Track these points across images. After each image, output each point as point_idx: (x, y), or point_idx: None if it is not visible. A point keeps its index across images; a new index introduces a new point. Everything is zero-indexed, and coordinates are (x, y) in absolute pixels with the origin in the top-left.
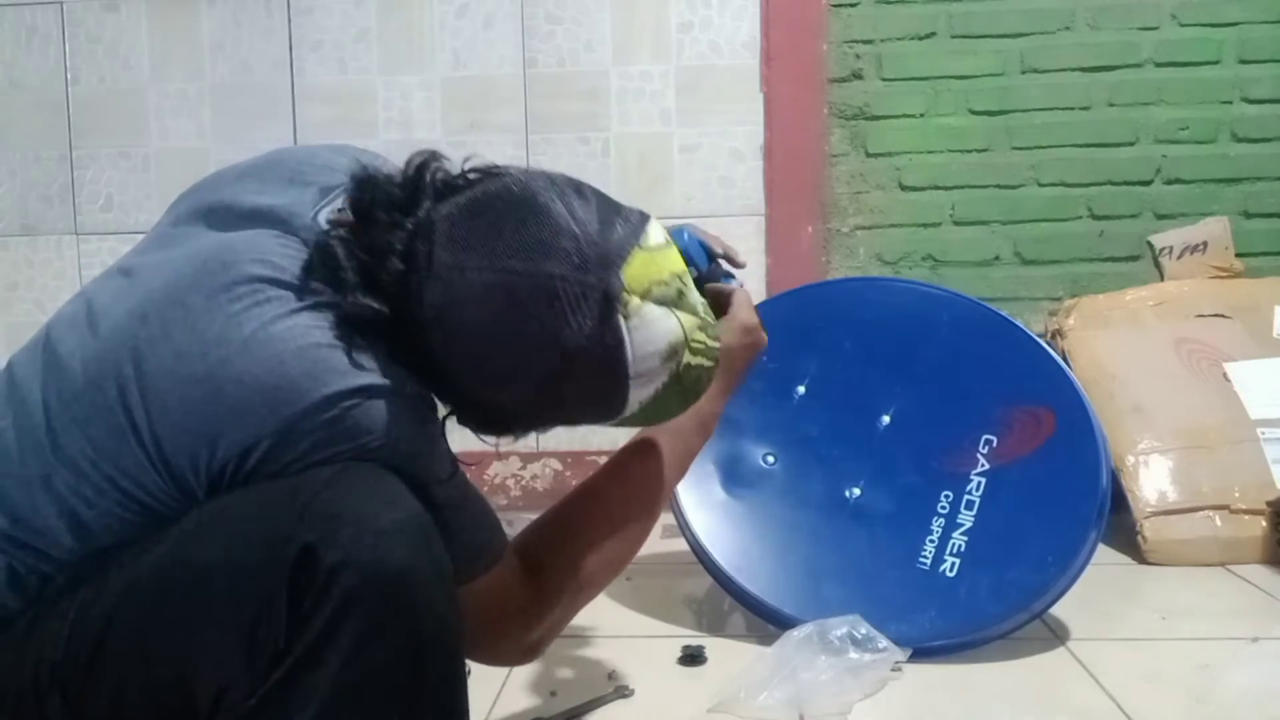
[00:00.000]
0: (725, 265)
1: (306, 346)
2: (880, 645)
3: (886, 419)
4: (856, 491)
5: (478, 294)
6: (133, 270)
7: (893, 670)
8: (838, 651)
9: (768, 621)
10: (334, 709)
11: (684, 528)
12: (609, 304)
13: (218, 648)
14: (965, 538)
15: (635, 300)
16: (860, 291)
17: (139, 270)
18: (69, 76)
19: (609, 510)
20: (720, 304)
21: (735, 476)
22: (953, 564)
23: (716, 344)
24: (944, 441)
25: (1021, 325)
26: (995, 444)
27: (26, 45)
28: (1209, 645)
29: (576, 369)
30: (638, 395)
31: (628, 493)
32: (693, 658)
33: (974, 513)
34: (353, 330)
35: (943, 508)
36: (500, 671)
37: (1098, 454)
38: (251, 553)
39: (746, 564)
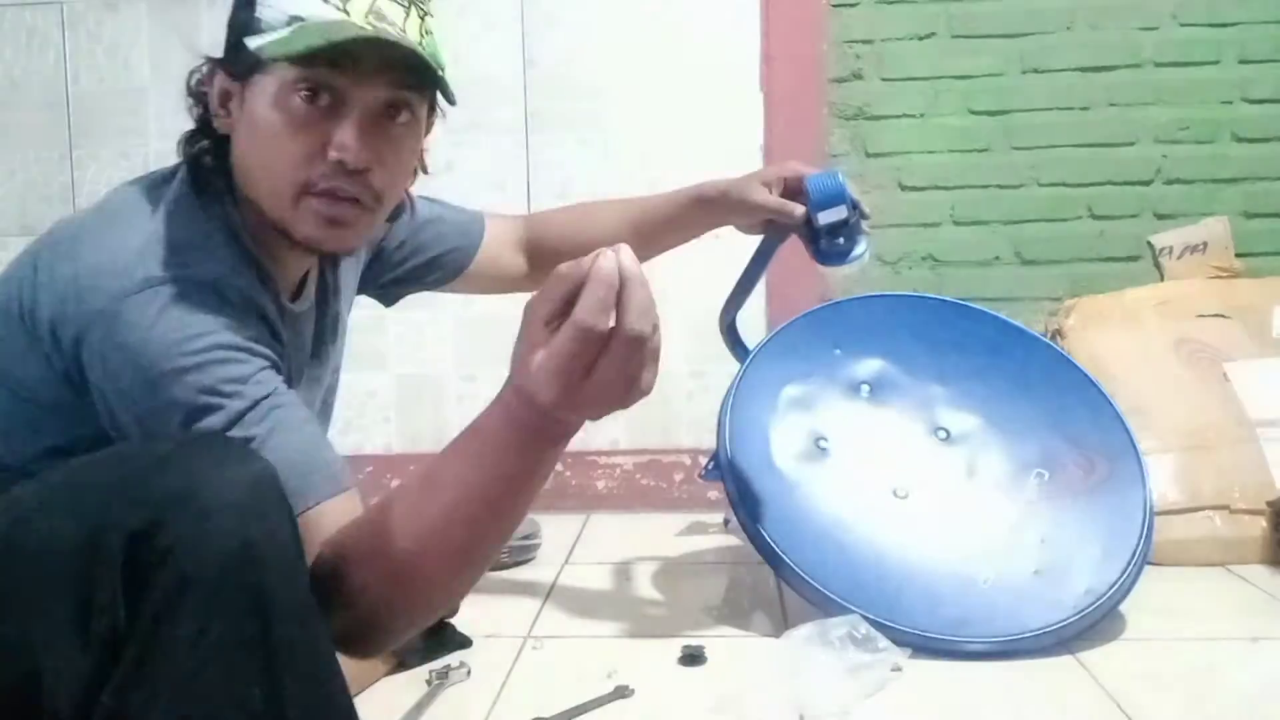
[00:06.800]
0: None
1: (114, 235)
2: (880, 645)
3: (944, 434)
4: (904, 494)
5: None
6: None
7: (893, 670)
8: (838, 651)
9: (799, 593)
10: (189, 692)
11: (730, 491)
12: None
13: (51, 638)
14: (1005, 558)
15: None
16: (944, 314)
17: None
18: (69, 76)
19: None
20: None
21: (788, 452)
22: (988, 580)
23: None
24: (997, 467)
25: (1095, 380)
26: (1046, 479)
27: (26, 45)
28: (1209, 645)
29: None
30: None
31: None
32: (693, 658)
33: (1017, 537)
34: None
35: (986, 527)
36: (500, 671)
37: (1141, 505)
38: (81, 540)
39: (792, 540)
